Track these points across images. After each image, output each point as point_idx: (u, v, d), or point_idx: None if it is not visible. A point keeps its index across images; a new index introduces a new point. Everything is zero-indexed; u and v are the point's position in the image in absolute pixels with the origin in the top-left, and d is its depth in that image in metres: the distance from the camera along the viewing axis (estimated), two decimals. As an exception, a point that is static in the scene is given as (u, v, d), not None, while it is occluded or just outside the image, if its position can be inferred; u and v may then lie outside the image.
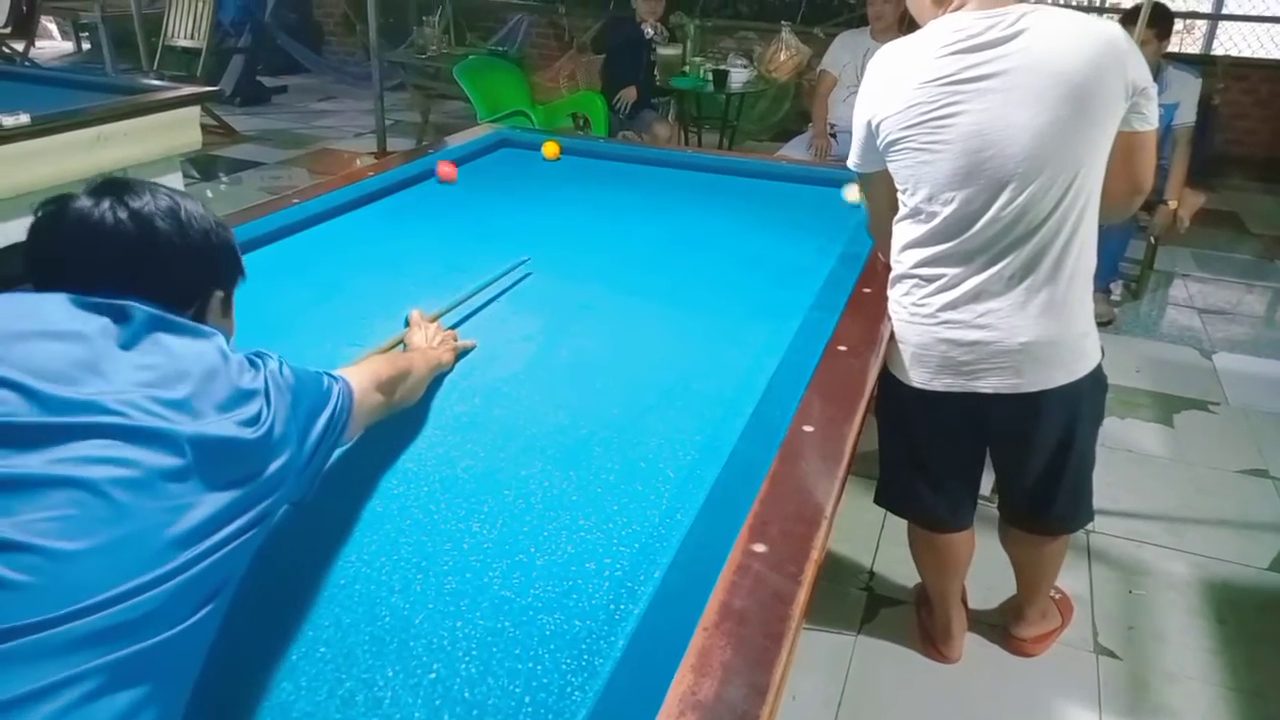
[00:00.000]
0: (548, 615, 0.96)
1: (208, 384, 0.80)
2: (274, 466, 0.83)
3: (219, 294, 0.97)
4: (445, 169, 2.48)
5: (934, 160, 1.44)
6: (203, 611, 0.74)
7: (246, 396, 0.82)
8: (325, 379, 0.99)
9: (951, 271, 1.51)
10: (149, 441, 0.73)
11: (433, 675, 0.87)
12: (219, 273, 0.97)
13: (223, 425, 0.78)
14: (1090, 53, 1.35)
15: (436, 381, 1.43)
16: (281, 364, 0.91)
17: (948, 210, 1.47)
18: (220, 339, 0.88)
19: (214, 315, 0.96)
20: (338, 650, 0.90)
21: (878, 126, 1.49)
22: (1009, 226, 1.44)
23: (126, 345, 0.80)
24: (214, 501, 0.75)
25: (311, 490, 0.94)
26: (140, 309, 0.83)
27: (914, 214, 1.53)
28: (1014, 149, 1.39)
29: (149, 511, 0.71)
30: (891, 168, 1.53)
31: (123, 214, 0.86)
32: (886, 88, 1.47)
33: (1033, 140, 1.38)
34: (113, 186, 0.88)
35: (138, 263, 0.86)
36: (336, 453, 1.21)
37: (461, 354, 1.51)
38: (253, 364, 0.87)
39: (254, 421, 0.81)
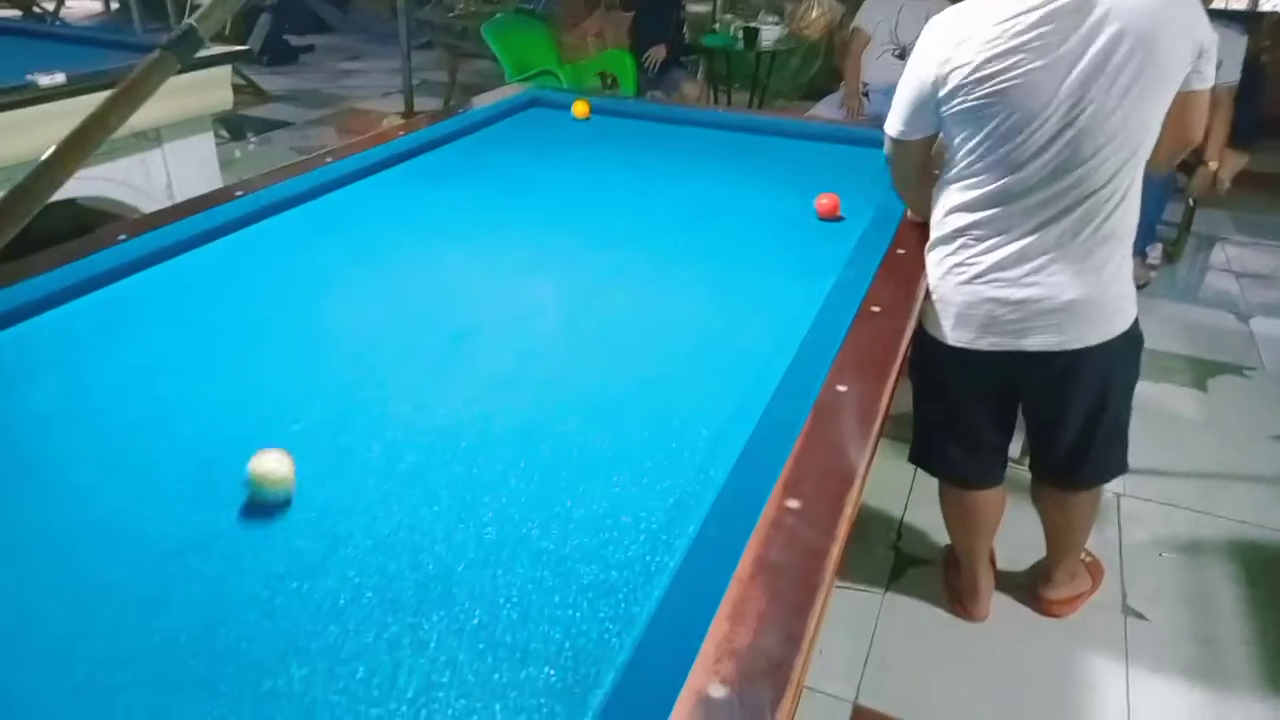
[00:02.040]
0: (585, 566, 0.98)
1: None
2: None
3: None
4: (825, 202, 1.97)
5: (994, 120, 1.44)
6: None
7: None
8: None
9: (1002, 231, 1.52)
10: None
11: (476, 621, 0.90)
12: None
13: None
14: (1168, 13, 1.36)
15: (475, 340, 1.45)
16: None
17: (1004, 171, 1.47)
18: None
19: None
20: (384, 596, 0.93)
21: (943, 79, 1.47)
22: (1068, 189, 1.46)
23: None
24: None
25: None
26: None
27: (967, 175, 1.53)
28: (1084, 116, 1.39)
29: None
30: (951, 127, 1.52)
31: None
32: (954, 44, 1.45)
33: (1107, 106, 1.39)
34: None
35: None
36: (380, 406, 1.24)
37: None
38: None
39: None
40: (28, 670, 0.84)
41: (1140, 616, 2.01)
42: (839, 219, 1.95)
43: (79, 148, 0.91)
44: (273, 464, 1.06)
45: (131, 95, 0.91)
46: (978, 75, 1.42)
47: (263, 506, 1.05)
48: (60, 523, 1.02)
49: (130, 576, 0.95)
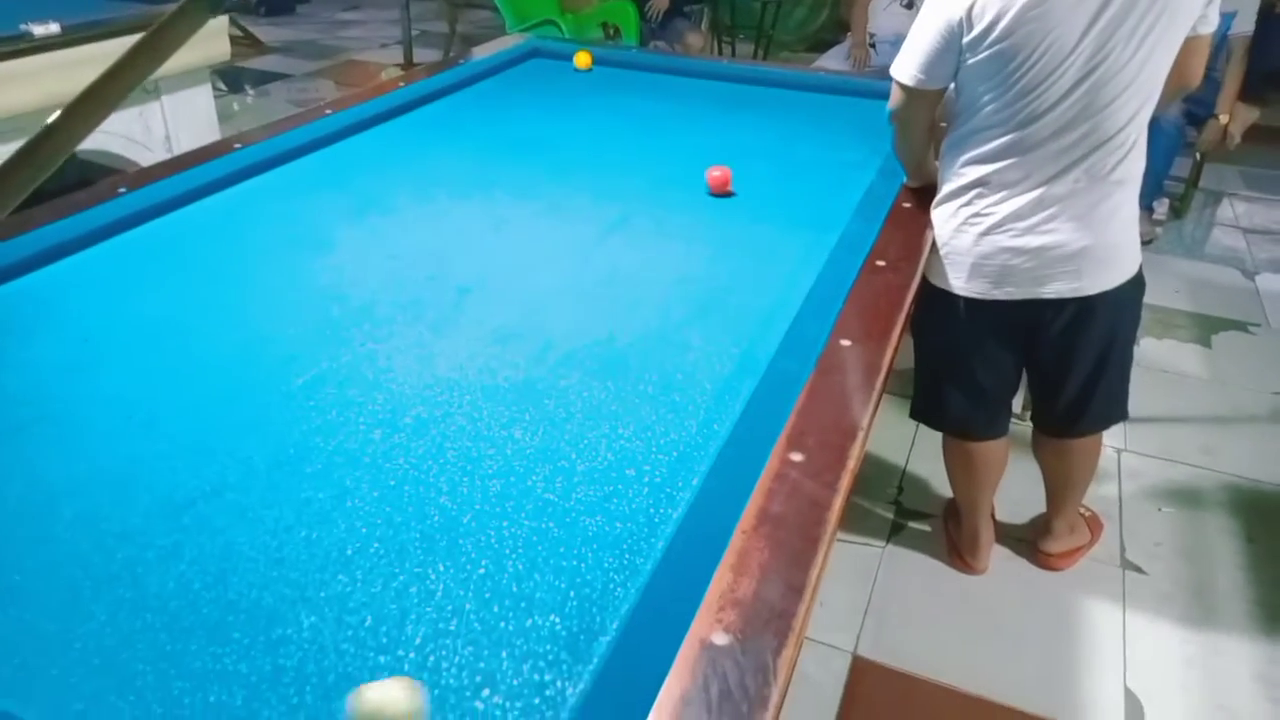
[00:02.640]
0: (589, 518, 0.99)
1: None
2: None
3: None
4: (717, 174, 1.85)
5: (1018, 70, 1.42)
6: None
7: None
8: None
9: (1017, 181, 1.52)
10: None
11: (482, 570, 0.91)
12: None
13: None
14: None
15: (478, 294, 1.45)
16: None
17: (1022, 122, 1.46)
18: None
19: None
20: (390, 546, 0.94)
21: (969, 24, 1.42)
22: (1082, 138, 1.45)
23: None
24: None
25: None
26: None
27: (983, 127, 1.52)
28: (1103, 65, 1.38)
29: None
30: (970, 76, 1.49)
31: None
32: None
33: (1125, 55, 1.38)
34: None
35: None
36: (384, 360, 1.25)
37: None
38: None
39: None
40: (48, 614, 0.85)
41: (1138, 570, 2.03)
42: (730, 194, 1.85)
43: (100, 101, 0.89)
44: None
45: (156, 47, 0.88)
46: (1006, 22, 1.39)
47: None
48: (79, 471, 1.03)
49: (144, 525, 0.96)
